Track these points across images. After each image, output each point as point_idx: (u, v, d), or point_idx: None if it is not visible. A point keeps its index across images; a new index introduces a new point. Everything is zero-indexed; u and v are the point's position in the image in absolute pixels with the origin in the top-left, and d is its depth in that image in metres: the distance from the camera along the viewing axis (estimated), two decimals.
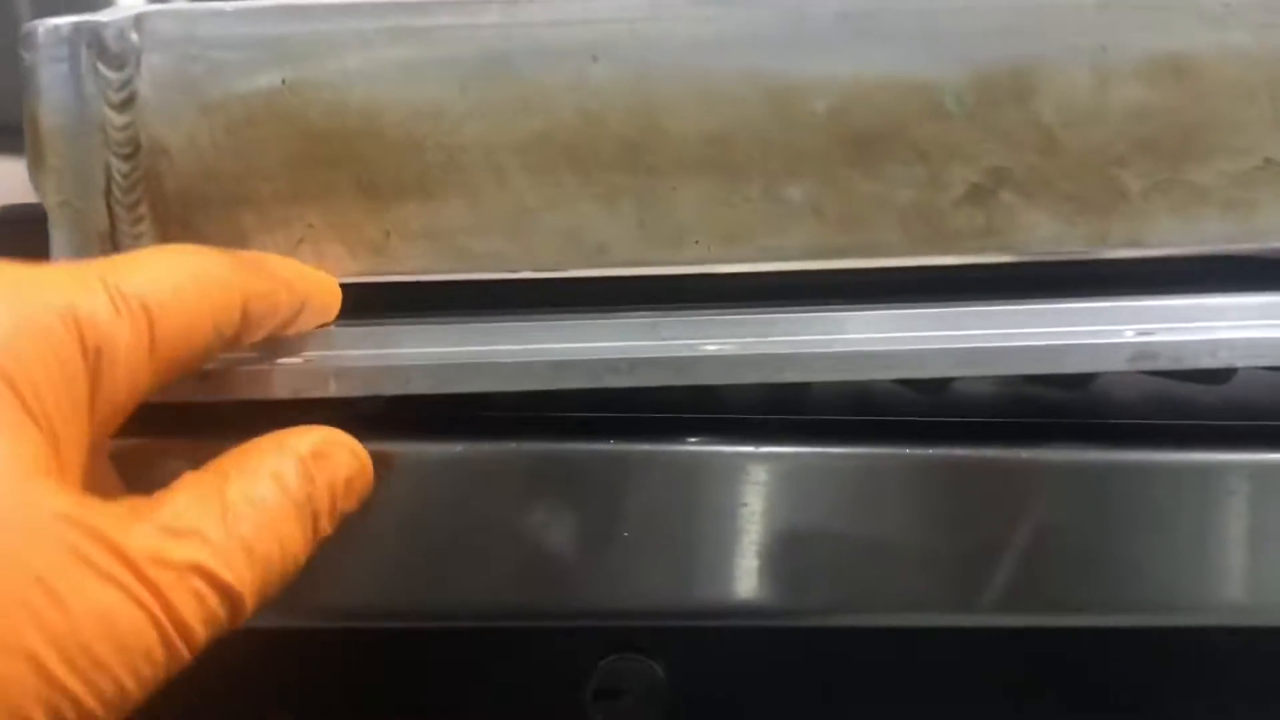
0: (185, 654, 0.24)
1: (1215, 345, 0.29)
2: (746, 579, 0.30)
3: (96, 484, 0.25)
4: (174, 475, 0.26)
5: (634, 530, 0.30)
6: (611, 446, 0.30)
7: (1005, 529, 0.31)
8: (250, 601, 0.25)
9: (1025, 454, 0.31)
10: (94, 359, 0.24)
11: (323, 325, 0.30)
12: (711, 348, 0.29)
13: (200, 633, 0.24)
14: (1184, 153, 0.31)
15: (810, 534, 0.30)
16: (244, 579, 0.24)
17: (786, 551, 0.30)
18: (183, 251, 0.26)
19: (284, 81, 0.29)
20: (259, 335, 0.28)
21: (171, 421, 0.29)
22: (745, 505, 0.30)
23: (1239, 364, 0.30)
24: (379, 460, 0.29)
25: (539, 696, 0.33)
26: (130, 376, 0.25)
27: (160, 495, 0.25)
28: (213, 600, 0.24)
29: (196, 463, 0.26)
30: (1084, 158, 0.31)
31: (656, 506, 0.30)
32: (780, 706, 0.33)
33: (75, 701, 0.22)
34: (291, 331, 0.29)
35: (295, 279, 0.29)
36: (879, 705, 0.34)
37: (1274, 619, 0.32)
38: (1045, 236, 0.31)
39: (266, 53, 0.29)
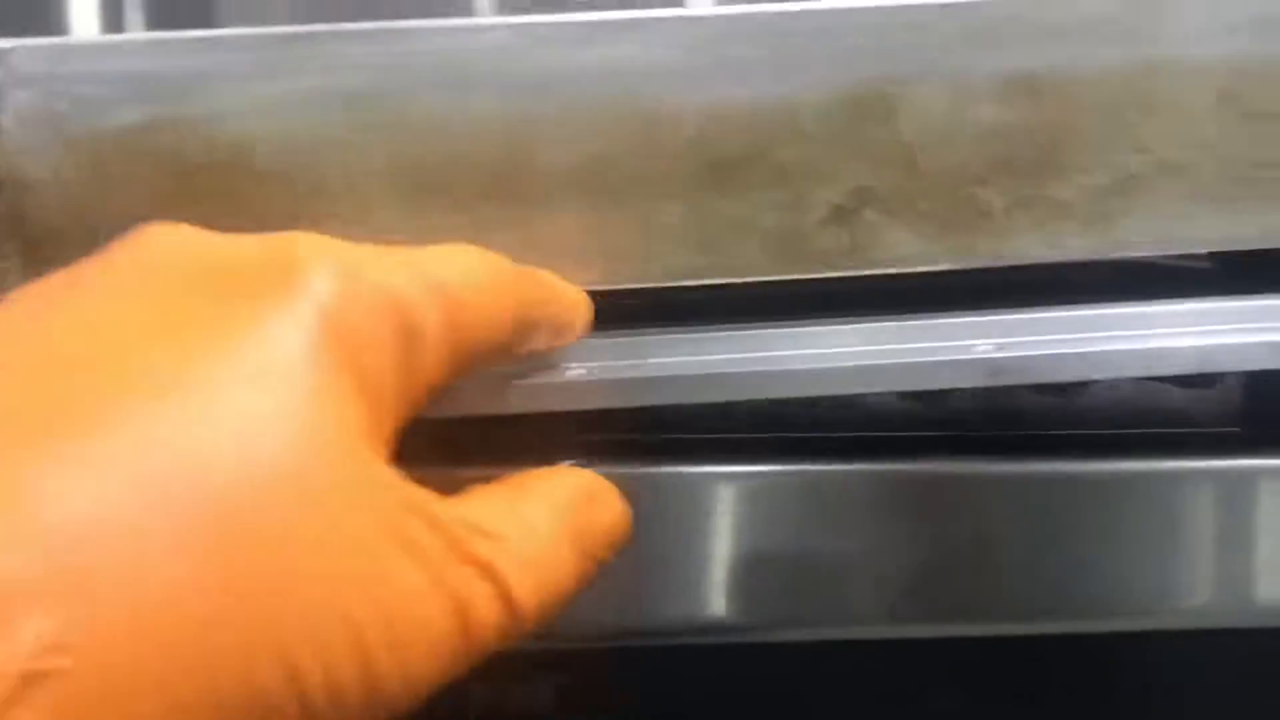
0: (475, 653, 0.23)
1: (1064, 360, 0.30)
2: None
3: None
4: None
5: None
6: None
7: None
8: (529, 626, 0.24)
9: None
10: (408, 339, 0.24)
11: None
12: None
13: (491, 638, 0.23)
14: (1044, 169, 0.31)
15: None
16: (529, 599, 0.24)
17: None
18: (473, 250, 0.27)
19: (151, 117, 0.30)
20: (534, 345, 0.28)
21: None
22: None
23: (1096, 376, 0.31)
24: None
25: None
26: (436, 362, 0.25)
27: (459, 495, 0.25)
28: (503, 612, 0.24)
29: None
30: (945, 176, 0.31)
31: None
32: None
33: (379, 676, 0.21)
34: (558, 344, 0.29)
35: (565, 290, 0.29)
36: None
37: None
38: (909, 254, 0.32)
39: (133, 88, 0.30)
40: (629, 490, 0.29)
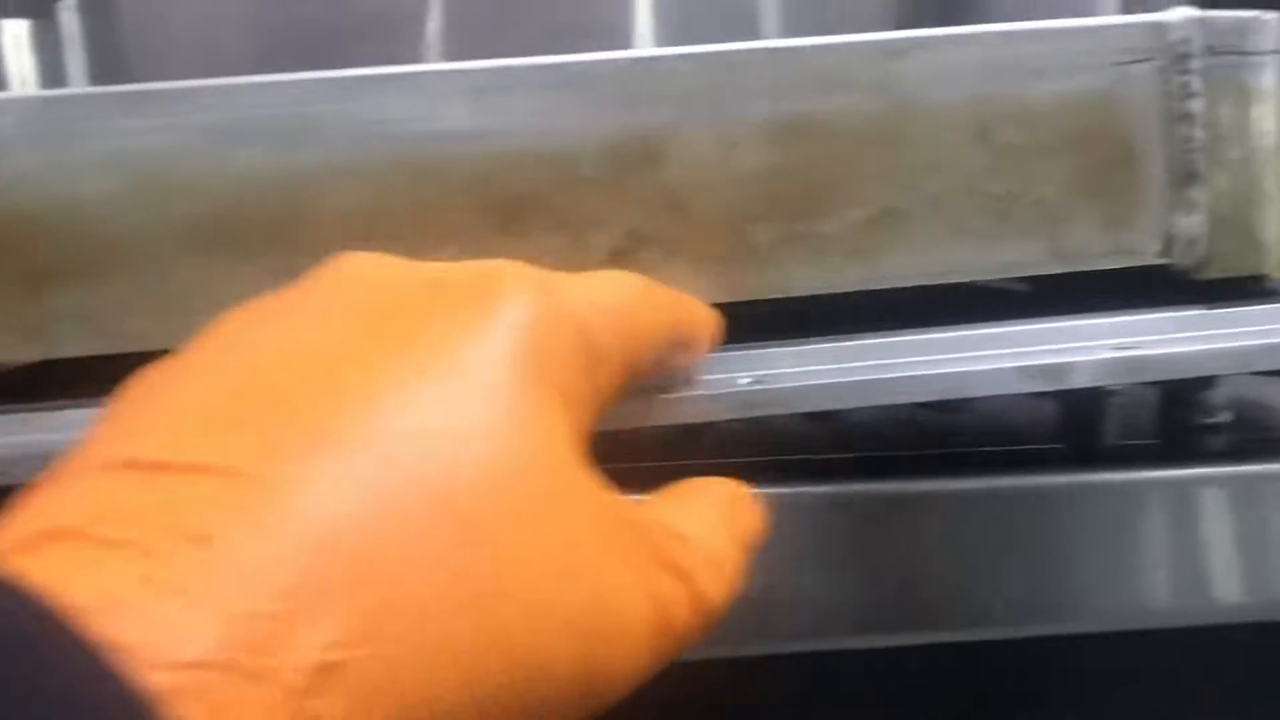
0: (674, 651, 0.24)
1: None
2: None
3: None
4: None
5: None
6: None
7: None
8: (712, 630, 0.25)
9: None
10: (592, 357, 0.25)
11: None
12: None
13: (687, 636, 0.24)
14: (810, 207, 0.33)
15: None
16: (718, 598, 0.25)
17: None
18: (635, 275, 0.28)
19: None
20: (675, 362, 0.30)
21: None
22: None
23: None
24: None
25: None
26: (611, 378, 0.26)
27: (644, 501, 0.26)
28: (697, 609, 0.25)
29: None
30: (715, 216, 0.33)
31: None
32: None
33: (593, 672, 0.23)
34: (693, 359, 0.31)
35: (699, 308, 0.30)
36: None
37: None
38: (688, 290, 0.33)
39: None
40: None
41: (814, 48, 0.33)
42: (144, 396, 0.23)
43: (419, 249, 0.32)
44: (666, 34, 0.71)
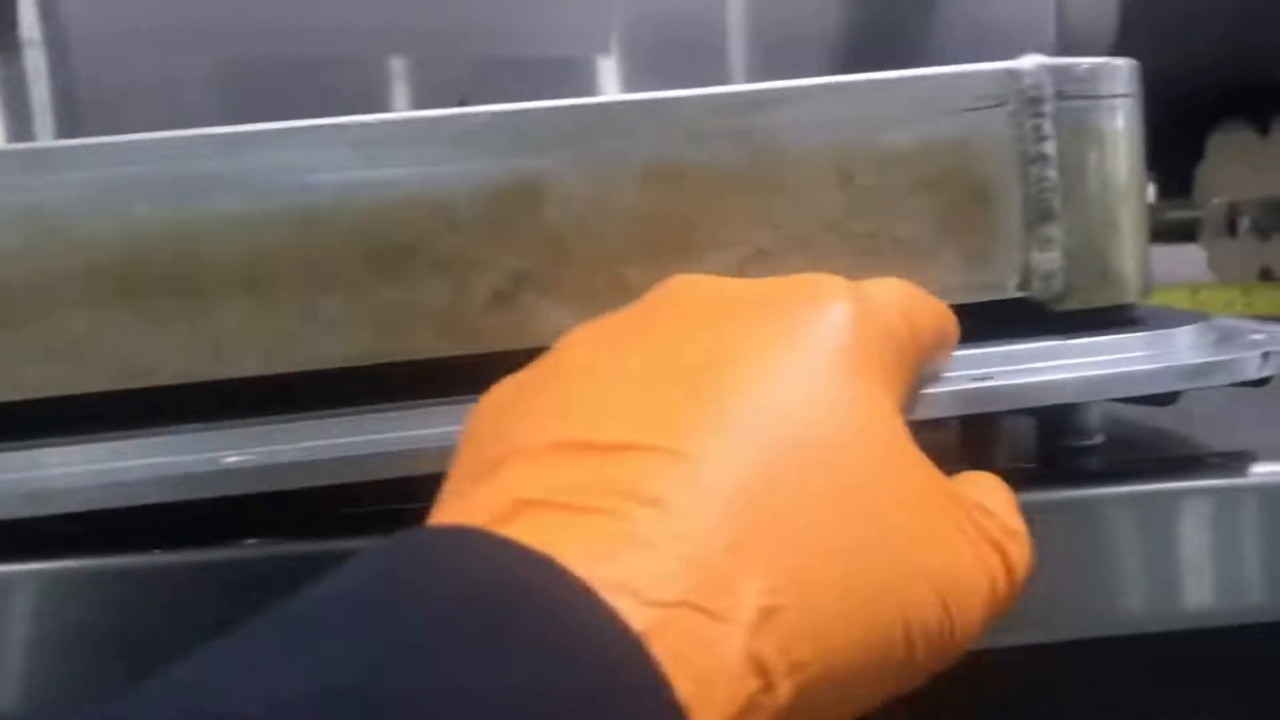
0: (994, 620, 0.27)
1: None
2: None
3: None
4: None
5: None
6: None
7: None
8: (1020, 594, 0.28)
9: None
10: (899, 350, 0.28)
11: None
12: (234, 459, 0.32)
13: (1005, 607, 0.27)
14: (684, 248, 0.35)
15: None
16: (1023, 572, 0.28)
17: None
18: (910, 283, 0.31)
19: None
20: (938, 361, 0.32)
21: None
22: None
23: None
24: None
25: None
26: (907, 372, 0.29)
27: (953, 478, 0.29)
28: (1012, 582, 0.27)
29: None
30: (593, 259, 0.34)
31: None
32: None
33: (951, 630, 0.25)
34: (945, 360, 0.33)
35: (949, 313, 0.32)
36: None
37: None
38: (569, 328, 0.35)
39: None
40: None
41: (682, 99, 0.35)
42: (525, 398, 0.27)
43: (305, 296, 0.33)
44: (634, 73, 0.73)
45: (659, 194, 0.35)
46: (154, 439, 0.32)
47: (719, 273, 0.35)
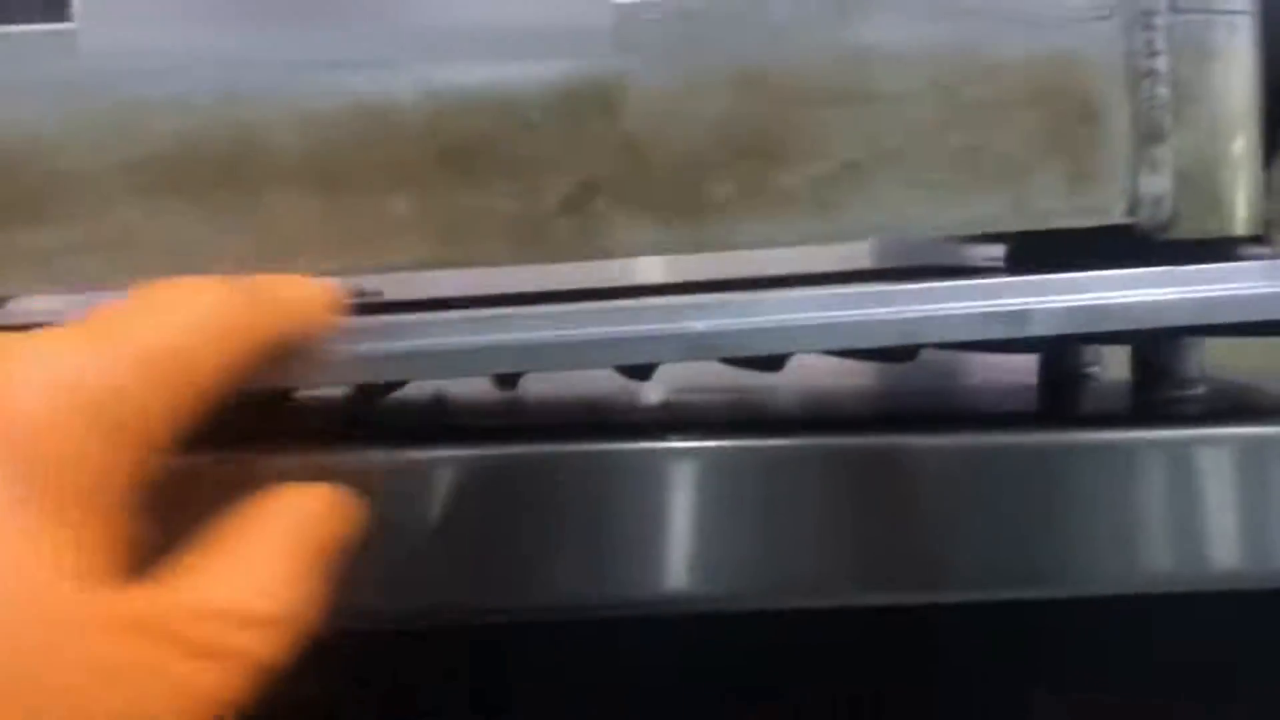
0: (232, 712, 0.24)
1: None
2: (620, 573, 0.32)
3: (124, 549, 0.25)
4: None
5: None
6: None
7: (905, 511, 0.32)
8: (279, 665, 0.25)
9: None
10: (118, 432, 0.23)
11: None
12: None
13: (244, 698, 0.24)
14: (767, 158, 0.33)
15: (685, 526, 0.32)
16: (271, 650, 0.24)
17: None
18: (195, 291, 0.26)
19: None
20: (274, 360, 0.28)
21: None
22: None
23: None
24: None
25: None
26: (162, 430, 0.24)
27: (186, 567, 0.25)
28: (250, 672, 0.24)
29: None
30: (671, 166, 0.33)
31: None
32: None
33: None
34: (312, 339, 0.29)
35: (299, 294, 0.28)
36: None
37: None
38: (642, 241, 0.33)
39: None
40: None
41: (773, 1, 0.33)
42: None
43: (373, 193, 0.32)
44: None
45: (745, 100, 0.33)
46: None
47: (804, 186, 0.33)
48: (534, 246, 0.33)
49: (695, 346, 0.30)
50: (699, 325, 0.31)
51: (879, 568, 0.33)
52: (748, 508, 0.32)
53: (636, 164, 0.32)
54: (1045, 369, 0.48)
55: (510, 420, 0.40)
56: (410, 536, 0.31)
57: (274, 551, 0.26)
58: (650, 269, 0.44)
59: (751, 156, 0.33)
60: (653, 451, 0.32)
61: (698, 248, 0.33)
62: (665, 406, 0.38)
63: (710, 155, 0.33)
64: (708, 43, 0.32)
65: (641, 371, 0.36)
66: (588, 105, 0.32)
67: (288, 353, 0.28)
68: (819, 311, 0.31)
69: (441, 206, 0.32)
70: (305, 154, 0.31)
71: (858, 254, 0.48)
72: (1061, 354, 0.46)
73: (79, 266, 0.31)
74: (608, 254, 0.33)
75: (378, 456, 0.31)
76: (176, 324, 0.25)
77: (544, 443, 0.32)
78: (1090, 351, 0.49)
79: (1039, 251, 0.36)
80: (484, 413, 0.39)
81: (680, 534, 0.32)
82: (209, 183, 0.31)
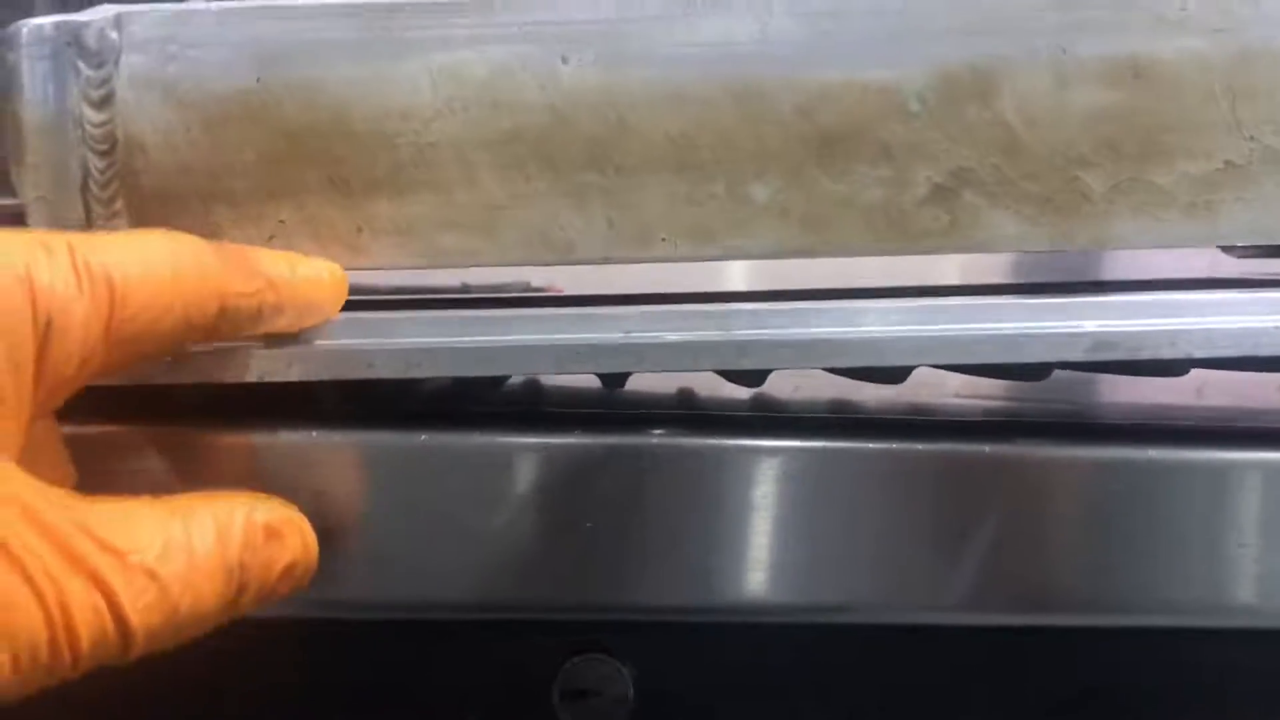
0: (67, 666, 0.23)
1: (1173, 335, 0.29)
2: (712, 575, 0.30)
3: (38, 456, 0.25)
4: (132, 464, 0.26)
5: (598, 524, 0.30)
6: (577, 440, 0.30)
7: (971, 524, 0.31)
8: (140, 644, 0.24)
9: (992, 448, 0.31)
10: (44, 327, 0.24)
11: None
12: (671, 336, 0.30)
13: (86, 652, 0.23)
14: (1145, 154, 0.31)
15: (777, 530, 0.31)
16: (146, 620, 0.24)
17: (753, 548, 0.30)
18: (165, 237, 0.27)
19: (258, 80, 0.30)
20: (244, 333, 0.28)
21: (136, 406, 0.29)
22: (713, 499, 0.30)
23: (1196, 354, 0.30)
24: (341, 450, 0.29)
25: (504, 698, 0.32)
26: (82, 351, 0.25)
27: (101, 500, 0.25)
28: (109, 626, 0.24)
29: (156, 450, 0.27)
30: (1046, 158, 0.31)
31: (624, 500, 0.30)
32: (746, 707, 0.33)
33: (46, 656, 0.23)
34: (285, 329, 0.29)
35: (284, 278, 0.29)
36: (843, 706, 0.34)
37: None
38: (1009, 236, 0.31)
39: (241, 52, 0.30)
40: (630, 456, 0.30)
41: None
42: None
43: (738, 178, 0.31)
44: None
45: (1124, 91, 0.31)
46: None
47: (1182, 186, 0.31)
48: (894, 237, 0.31)
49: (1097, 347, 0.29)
50: (1089, 326, 0.29)
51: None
52: (841, 512, 0.31)
53: (1009, 154, 0.31)
54: None
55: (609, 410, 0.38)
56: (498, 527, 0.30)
57: (207, 536, 0.25)
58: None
59: (1126, 151, 0.31)
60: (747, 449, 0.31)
61: (1064, 245, 0.32)
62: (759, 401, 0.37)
63: (1085, 148, 0.31)
64: (1091, 30, 0.31)
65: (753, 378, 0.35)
66: (966, 93, 0.31)
67: (270, 326, 0.29)
68: (1213, 317, 0.29)
69: (804, 194, 0.31)
70: (673, 138, 0.30)
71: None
72: None
73: (440, 242, 0.31)
74: (969, 248, 0.32)
75: (473, 440, 0.31)
76: (144, 257, 0.26)
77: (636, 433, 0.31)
78: None
79: None
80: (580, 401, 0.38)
81: (720, 541, 0.31)
82: (574, 163, 0.30)
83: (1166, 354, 0.30)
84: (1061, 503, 0.32)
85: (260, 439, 0.30)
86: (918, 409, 0.37)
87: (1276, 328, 0.30)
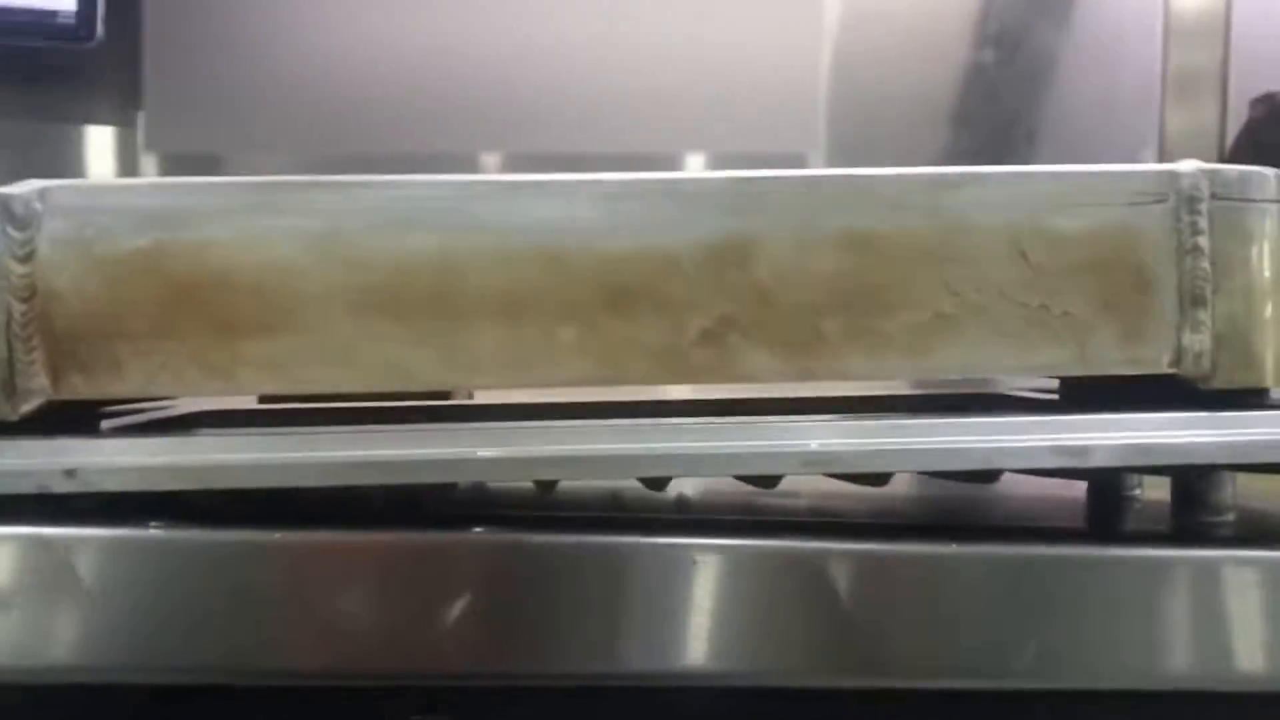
0: None
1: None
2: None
3: None
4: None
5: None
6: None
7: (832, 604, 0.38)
8: None
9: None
10: None
11: None
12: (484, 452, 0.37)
13: None
14: (872, 307, 0.39)
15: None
16: None
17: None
18: None
19: (156, 243, 0.37)
20: None
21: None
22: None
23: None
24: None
25: None
26: None
27: None
28: None
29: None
30: (792, 310, 0.39)
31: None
32: None
33: None
34: None
35: None
36: None
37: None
38: (765, 370, 0.39)
39: (144, 221, 0.37)
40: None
41: (882, 176, 0.39)
42: None
43: (544, 323, 0.38)
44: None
45: (854, 257, 0.39)
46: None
47: (902, 331, 0.39)
48: (674, 371, 0.39)
49: (810, 463, 0.36)
50: (813, 444, 0.37)
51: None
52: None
53: (763, 306, 0.39)
54: (1091, 492, 0.54)
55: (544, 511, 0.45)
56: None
57: None
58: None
59: (857, 303, 0.39)
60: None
61: (811, 378, 0.39)
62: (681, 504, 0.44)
63: (823, 302, 0.39)
64: (828, 208, 0.39)
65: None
66: (728, 258, 0.39)
67: None
68: (920, 438, 0.37)
69: (598, 337, 0.39)
70: (496, 289, 0.38)
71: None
72: (1110, 479, 0.52)
73: (303, 374, 0.38)
74: (734, 380, 0.39)
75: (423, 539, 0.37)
76: None
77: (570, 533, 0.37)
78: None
79: (1089, 390, 0.42)
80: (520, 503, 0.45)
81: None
82: (418, 311, 0.38)
83: (872, 468, 0.37)
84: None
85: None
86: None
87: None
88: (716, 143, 0.90)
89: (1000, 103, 0.93)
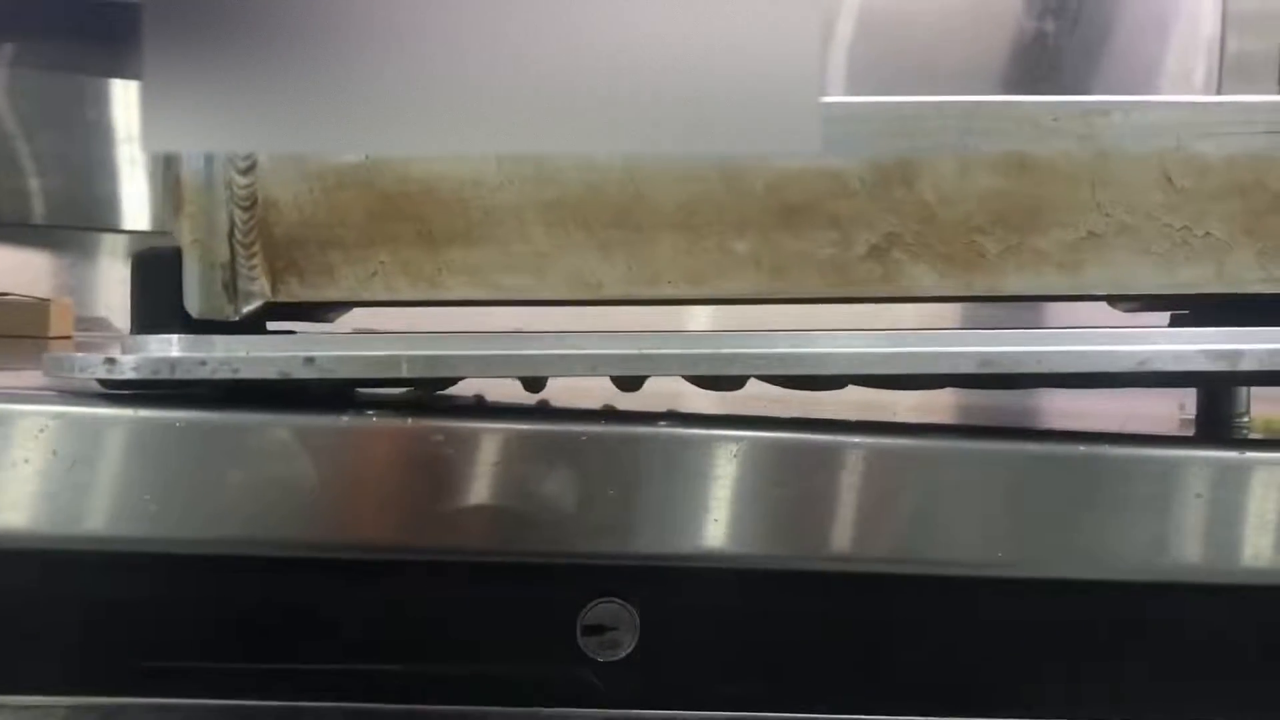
0: None
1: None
2: (707, 531, 0.40)
3: None
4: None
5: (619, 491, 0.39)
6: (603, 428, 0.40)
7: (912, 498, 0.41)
8: None
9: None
10: None
11: None
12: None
13: None
14: (1028, 225, 0.42)
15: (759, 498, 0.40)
16: None
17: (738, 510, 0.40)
18: None
19: (365, 157, 0.40)
20: None
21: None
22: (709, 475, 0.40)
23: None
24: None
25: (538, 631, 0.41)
26: None
27: None
28: None
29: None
30: (953, 227, 0.42)
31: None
32: (736, 646, 0.42)
33: None
34: None
35: None
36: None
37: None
38: (926, 285, 0.42)
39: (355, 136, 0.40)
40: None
41: (1038, 103, 0.42)
42: None
43: (720, 237, 0.41)
44: None
45: (1011, 178, 0.42)
46: None
47: (1055, 248, 0.42)
48: (840, 285, 0.42)
49: (986, 363, 0.39)
50: (986, 349, 0.40)
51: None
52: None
53: (926, 223, 0.41)
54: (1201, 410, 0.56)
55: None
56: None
57: None
58: None
59: (1013, 222, 0.42)
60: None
61: (970, 292, 0.42)
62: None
63: (982, 220, 0.42)
64: (987, 133, 0.42)
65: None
66: (894, 177, 0.41)
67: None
68: (1078, 346, 0.40)
69: (772, 250, 0.41)
70: (677, 205, 0.41)
71: None
72: (1223, 402, 0.54)
73: (500, 281, 0.40)
74: (896, 294, 0.42)
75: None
76: None
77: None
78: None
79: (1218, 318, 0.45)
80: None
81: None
82: (603, 223, 0.40)
83: (1032, 369, 0.40)
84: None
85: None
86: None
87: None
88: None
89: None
